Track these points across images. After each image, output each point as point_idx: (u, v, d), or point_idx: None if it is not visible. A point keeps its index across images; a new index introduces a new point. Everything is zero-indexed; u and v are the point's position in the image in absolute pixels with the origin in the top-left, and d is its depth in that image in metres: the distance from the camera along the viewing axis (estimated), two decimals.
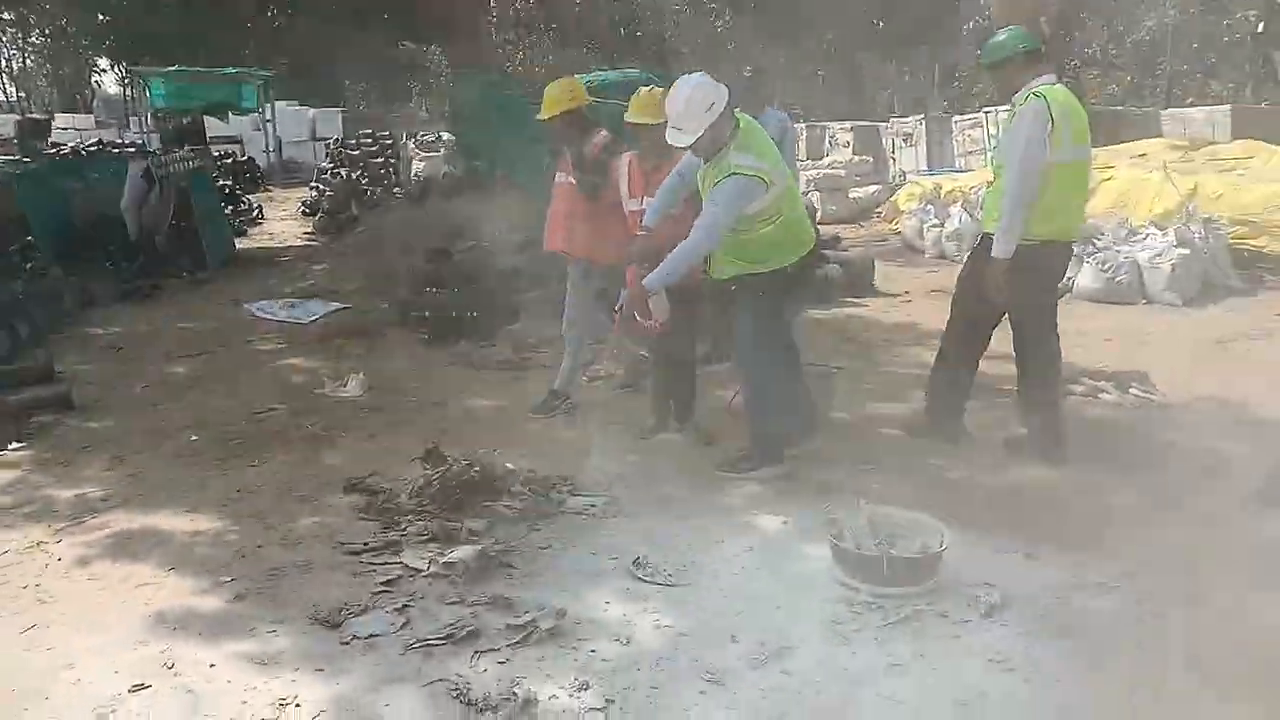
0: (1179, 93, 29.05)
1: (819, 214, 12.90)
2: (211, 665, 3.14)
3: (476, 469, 4.35)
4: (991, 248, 4.71)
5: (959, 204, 11.26)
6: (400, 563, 3.80)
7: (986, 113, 16.04)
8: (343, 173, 15.71)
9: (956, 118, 18.07)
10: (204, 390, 6.50)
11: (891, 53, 33.40)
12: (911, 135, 17.38)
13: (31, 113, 35.21)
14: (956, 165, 16.27)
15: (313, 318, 8.46)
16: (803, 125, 15.88)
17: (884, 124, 19.16)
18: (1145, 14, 31.12)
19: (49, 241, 9.23)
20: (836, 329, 7.80)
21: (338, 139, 19.42)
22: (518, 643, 3.22)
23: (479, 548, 3.81)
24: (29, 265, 8.83)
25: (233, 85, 22.39)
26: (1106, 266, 8.54)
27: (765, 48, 29.98)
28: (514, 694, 2.92)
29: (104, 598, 3.65)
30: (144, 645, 3.28)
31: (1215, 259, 8.64)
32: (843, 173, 15.46)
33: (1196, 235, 8.61)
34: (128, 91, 34.99)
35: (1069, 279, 8.44)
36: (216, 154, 18.93)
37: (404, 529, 4.09)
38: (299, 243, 13.70)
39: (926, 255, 11.46)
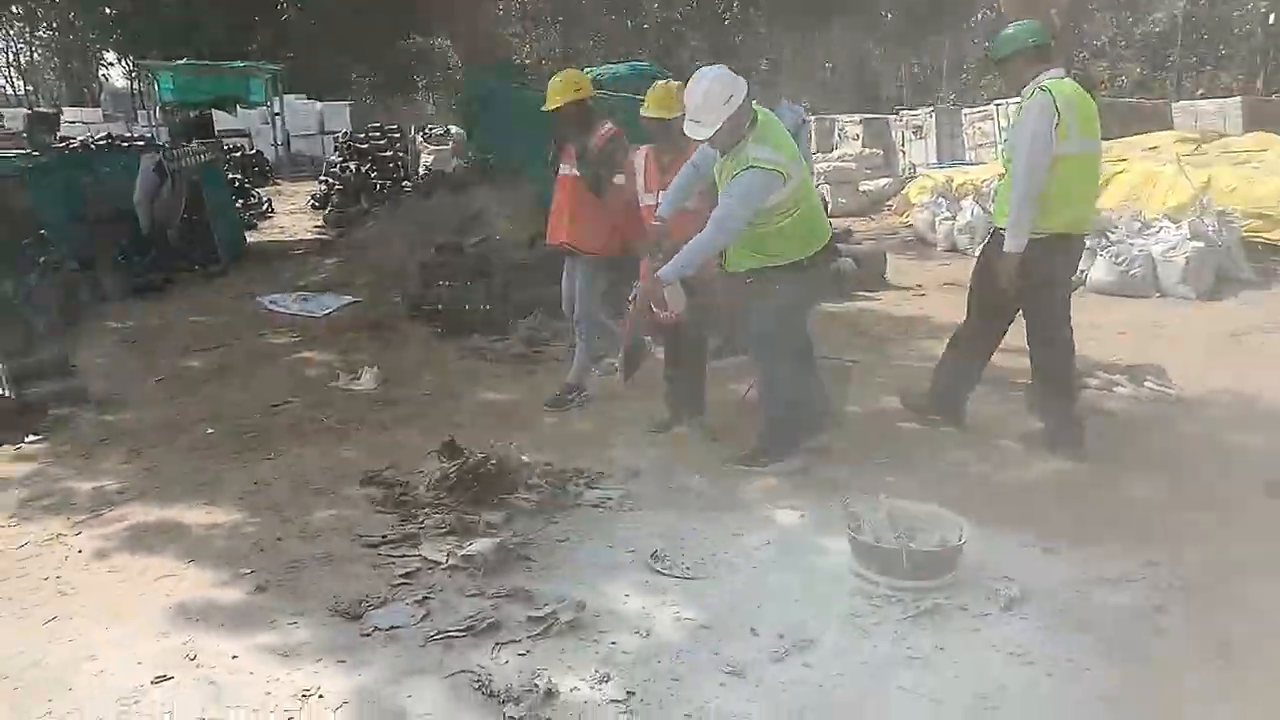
0: (1188, 85, 28.89)
1: (829, 207, 12.87)
2: (234, 657, 3.16)
3: (493, 462, 4.35)
4: (1003, 242, 4.72)
5: (971, 197, 11.23)
6: (419, 555, 3.82)
7: (997, 105, 15.97)
8: (352, 166, 15.68)
9: (966, 110, 17.99)
10: (219, 383, 6.54)
11: (900, 44, 33.32)
12: (921, 128, 17.31)
13: (39, 106, 35.28)
14: (967, 158, 16.20)
15: (325, 311, 8.47)
16: (812, 118, 15.82)
17: (893, 116, 19.07)
18: (1154, 5, 30.98)
19: (61, 235, 9.24)
20: (849, 322, 7.79)
21: (346, 132, 19.40)
22: (538, 635, 3.23)
23: (497, 540, 3.82)
24: (42, 259, 8.84)
25: (241, 79, 22.34)
26: (1120, 260, 8.51)
27: (773, 39, 29.95)
28: (536, 685, 2.93)
29: (124, 590, 3.67)
30: (165, 637, 3.30)
31: (1229, 252, 8.60)
32: (853, 165, 15.43)
33: (1210, 228, 8.57)
34: (135, 85, 35.02)
35: (1082, 272, 8.42)
36: (226, 147, 18.93)
37: (422, 521, 4.10)
38: (309, 236, 13.71)
39: (938, 248, 11.44)
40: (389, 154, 15.99)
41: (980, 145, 16.45)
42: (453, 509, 4.15)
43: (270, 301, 8.75)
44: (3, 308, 7.29)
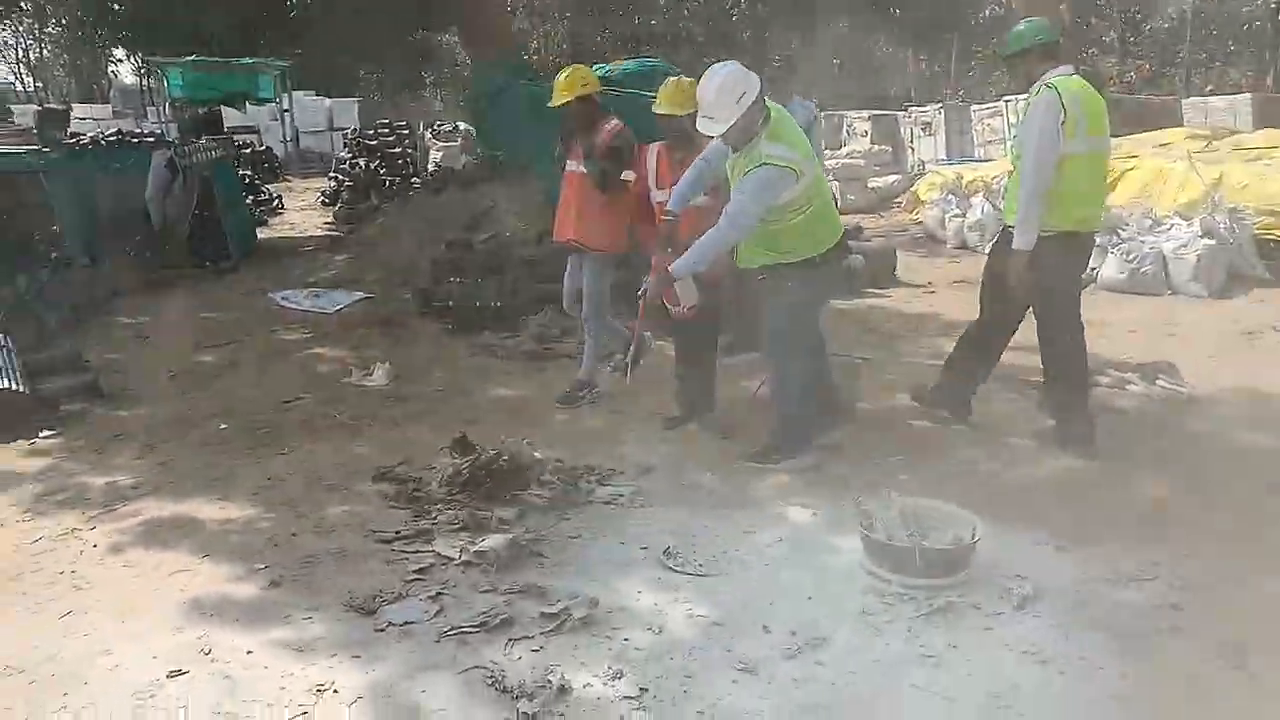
0: (1196, 81, 28.80)
1: (838, 204, 12.83)
2: (249, 652, 3.17)
3: (505, 458, 4.37)
4: (1012, 240, 4.72)
5: (981, 194, 11.18)
6: (432, 551, 3.83)
7: (1006, 101, 15.92)
8: (361, 162, 15.70)
9: (975, 106, 17.94)
10: (231, 379, 6.56)
11: (908, 41, 33.25)
12: (931, 124, 17.26)
13: (49, 103, 35.40)
14: (976, 155, 16.15)
15: (337, 307, 8.49)
16: (821, 114, 15.76)
17: (902, 113, 19.03)
18: (1164, 1, 30.86)
19: (73, 231, 9.27)
20: (859, 320, 7.78)
21: (355, 129, 19.42)
22: (551, 631, 3.24)
23: (510, 536, 3.84)
24: (54, 255, 8.88)
25: (250, 75, 22.40)
26: (1131, 257, 8.48)
27: (781, 36, 29.90)
28: (549, 682, 2.94)
29: (139, 584, 3.69)
30: (180, 632, 3.31)
31: (1241, 249, 8.56)
32: (862, 162, 15.39)
33: (1222, 225, 8.53)
34: (144, 82, 35.08)
35: (1093, 269, 8.39)
36: (236, 143, 18.97)
37: (434, 517, 4.12)
38: (319, 232, 13.73)
39: (948, 245, 11.40)
40: (398, 150, 16.01)
41: (990, 141, 16.41)
42: (465, 505, 4.17)
43: (282, 298, 8.77)
44: (15, 303, 7.33)
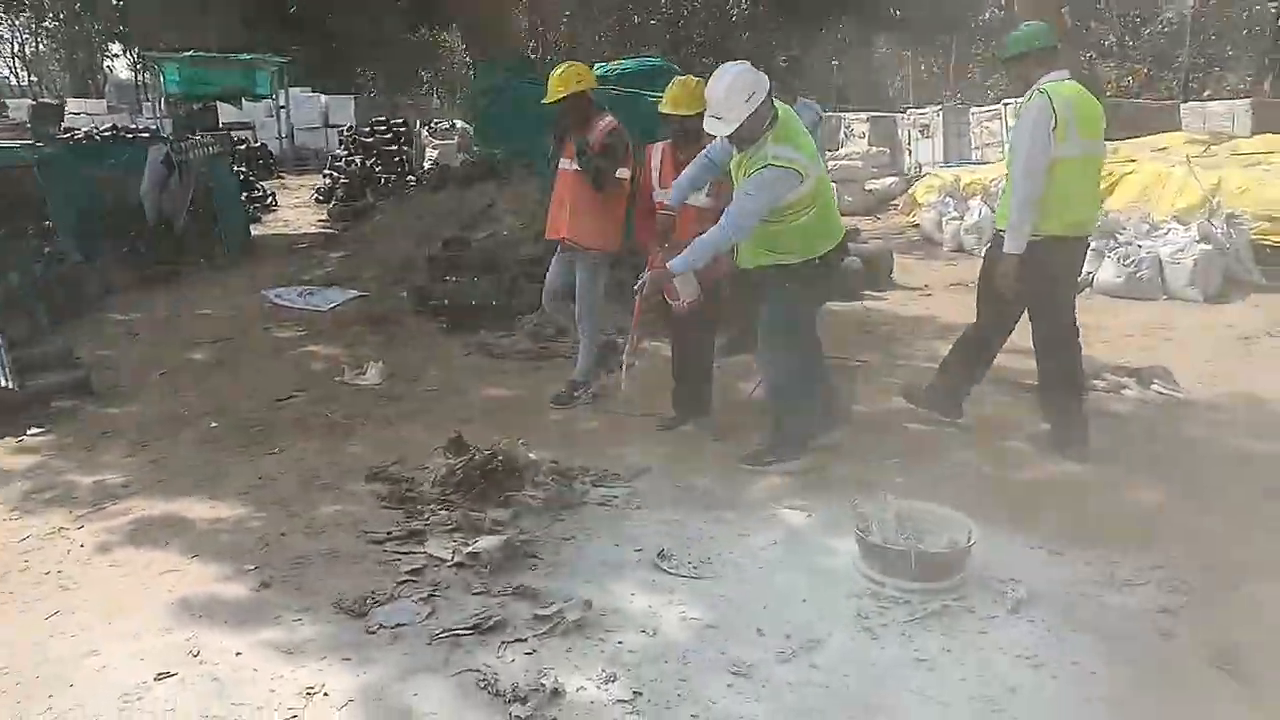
0: (1194, 85, 28.84)
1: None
2: (238, 654, 3.14)
3: (499, 459, 4.33)
4: (1004, 244, 4.73)
5: (978, 197, 11.17)
6: (425, 552, 3.80)
7: (1005, 104, 15.89)
8: (357, 160, 15.67)
9: (974, 109, 17.92)
10: (223, 377, 6.52)
11: (907, 43, 33.28)
12: (929, 126, 17.24)
13: (44, 97, 35.29)
14: (974, 158, 16.14)
15: (331, 305, 8.45)
16: (825, 115, 15.71)
17: (900, 115, 19.01)
18: (1163, 6, 30.90)
19: (67, 226, 9.22)
20: (856, 322, 7.76)
21: (351, 126, 19.38)
22: (544, 633, 3.22)
23: (503, 538, 3.80)
24: (47, 250, 8.82)
25: (247, 71, 22.30)
26: (1128, 261, 8.47)
27: (780, 37, 29.90)
28: (542, 685, 2.91)
29: (127, 584, 3.65)
30: (169, 633, 3.28)
31: (1238, 255, 8.55)
32: (860, 164, 15.36)
33: (1219, 230, 8.53)
34: (140, 77, 35.01)
35: (1089, 274, 8.39)
36: (233, 140, 18.92)
37: (427, 518, 4.09)
38: (314, 230, 13.67)
39: (945, 248, 11.39)
40: (394, 148, 15.98)
41: (988, 144, 16.38)
42: (459, 506, 4.14)
43: (275, 295, 8.73)
44: (7, 298, 7.27)
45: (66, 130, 17.16)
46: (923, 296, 8.97)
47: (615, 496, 4.37)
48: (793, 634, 3.22)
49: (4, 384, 5.54)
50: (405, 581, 3.59)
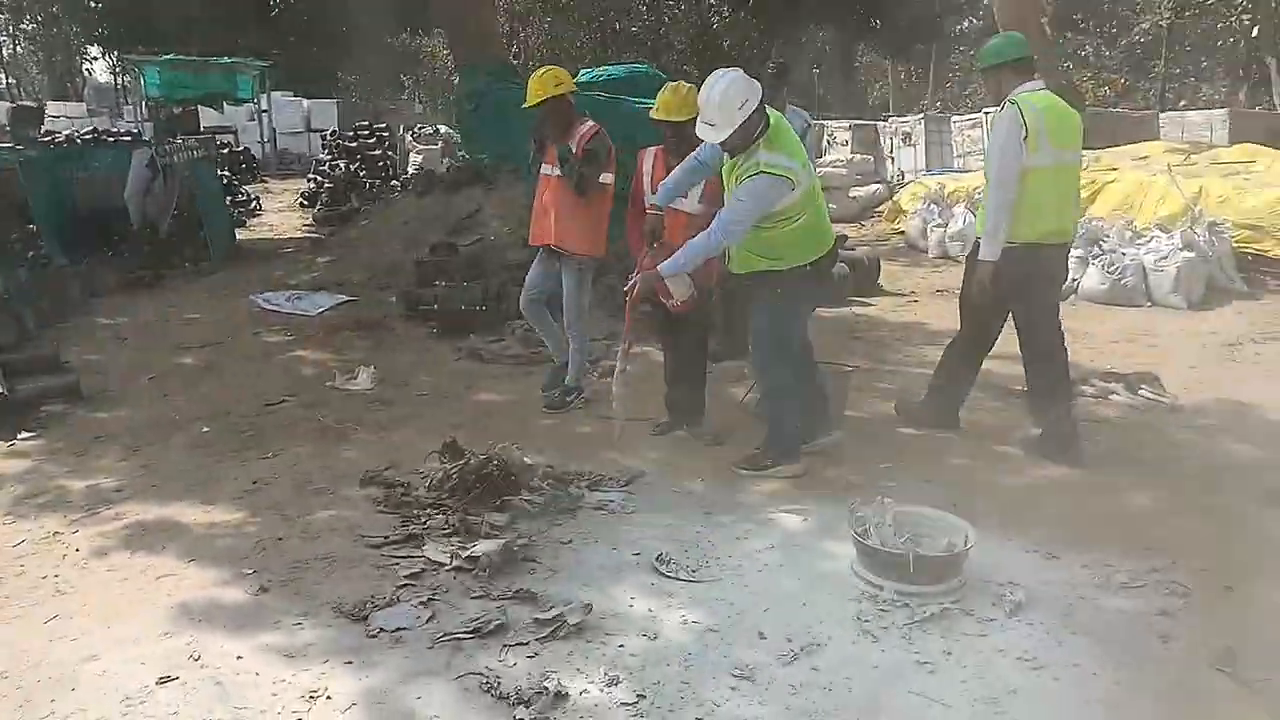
0: (1170, 96, 29.18)
1: None
2: (239, 658, 3.13)
3: (495, 463, 4.33)
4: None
5: (963, 204, 11.26)
6: (422, 556, 3.79)
7: (987, 113, 16.03)
8: (341, 164, 15.62)
9: (956, 117, 18.07)
10: (213, 381, 6.48)
11: (887, 51, 33.50)
12: (910, 134, 17.36)
13: (22, 100, 34.98)
14: (955, 165, 16.26)
15: (319, 309, 8.41)
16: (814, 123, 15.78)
17: (882, 123, 19.13)
18: (1139, 17, 31.25)
19: (51, 230, 9.16)
20: (846, 328, 7.81)
21: (334, 130, 19.32)
22: (546, 637, 3.21)
23: (501, 542, 3.80)
24: (32, 254, 8.77)
25: (228, 75, 22.15)
26: (1112, 269, 8.56)
27: (762, 44, 30.02)
28: (545, 688, 2.91)
29: (124, 589, 3.63)
30: (168, 637, 3.26)
31: (1220, 262, 8.67)
32: (844, 171, 15.45)
33: (1201, 238, 8.64)
34: (119, 80, 34.78)
35: (1074, 280, 8.47)
36: (217, 144, 18.82)
37: (424, 522, 4.08)
38: (299, 234, 13.62)
39: (930, 255, 11.47)
40: (378, 153, 15.95)
41: (969, 152, 16.50)
42: (455, 510, 4.13)
43: (263, 299, 8.68)
44: None
45: (47, 134, 17.07)
46: (910, 303, 9.04)
47: (611, 501, 4.38)
48: (793, 637, 3.23)
49: None
50: (404, 585, 3.59)
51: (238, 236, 12.60)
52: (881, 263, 10.02)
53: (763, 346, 4.68)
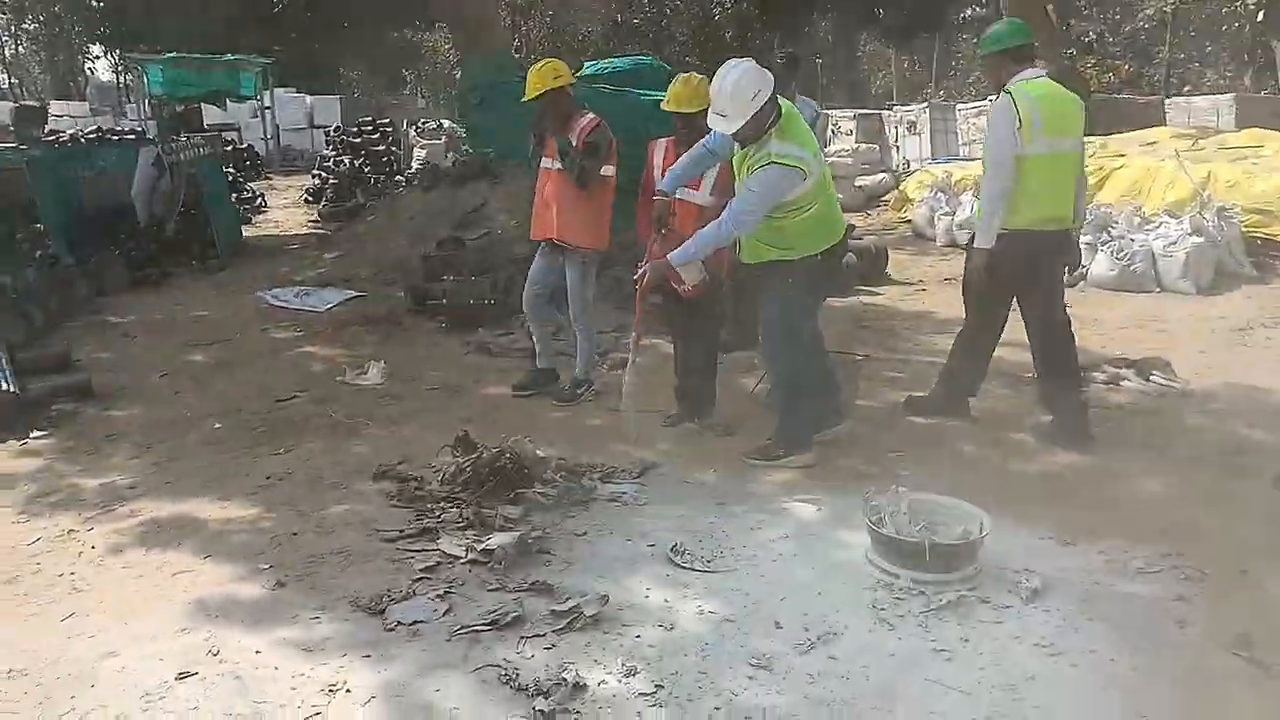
0: (1175, 81, 29.06)
1: None
2: (257, 652, 3.13)
3: (508, 456, 4.33)
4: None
5: (969, 192, 11.21)
6: (438, 550, 3.80)
7: (990, 100, 15.99)
8: (345, 160, 15.63)
9: (960, 106, 18.03)
10: (224, 378, 6.49)
11: (891, 40, 33.39)
12: (915, 123, 17.33)
13: (25, 99, 35.00)
14: (961, 153, 16.22)
15: (328, 305, 8.42)
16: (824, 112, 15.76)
17: (887, 112, 19.10)
18: (1143, 3, 31.11)
19: (58, 229, 9.18)
20: (854, 317, 7.80)
21: (338, 126, 19.32)
22: (562, 629, 3.22)
23: (516, 534, 3.80)
24: (39, 253, 8.78)
25: (231, 72, 22.18)
26: (1121, 255, 8.53)
27: (765, 35, 29.96)
28: (563, 679, 2.92)
29: (141, 585, 3.64)
30: (186, 633, 3.27)
31: (1229, 247, 8.64)
32: (850, 160, 15.41)
33: (1210, 223, 8.61)
34: (122, 79, 34.81)
35: (1084, 268, 8.44)
36: (223, 141, 18.83)
37: (439, 516, 4.08)
38: (305, 230, 13.62)
39: (937, 243, 11.43)
40: (382, 148, 15.95)
41: (974, 141, 16.46)
42: (469, 503, 4.14)
43: (271, 296, 8.69)
44: (1, 302, 7.23)
45: (51, 133, 17.08)
46: (918, 291, 9.01)
47: (624, 492, 4.38)
48: (810, 626, 3.23)
49: (5, 388, 5.50)
50: (420, 579, 3.59)
51: (244, 233, 12.63)
52: (889, 252, 10.00)
53: (773, 336, 4.69)
